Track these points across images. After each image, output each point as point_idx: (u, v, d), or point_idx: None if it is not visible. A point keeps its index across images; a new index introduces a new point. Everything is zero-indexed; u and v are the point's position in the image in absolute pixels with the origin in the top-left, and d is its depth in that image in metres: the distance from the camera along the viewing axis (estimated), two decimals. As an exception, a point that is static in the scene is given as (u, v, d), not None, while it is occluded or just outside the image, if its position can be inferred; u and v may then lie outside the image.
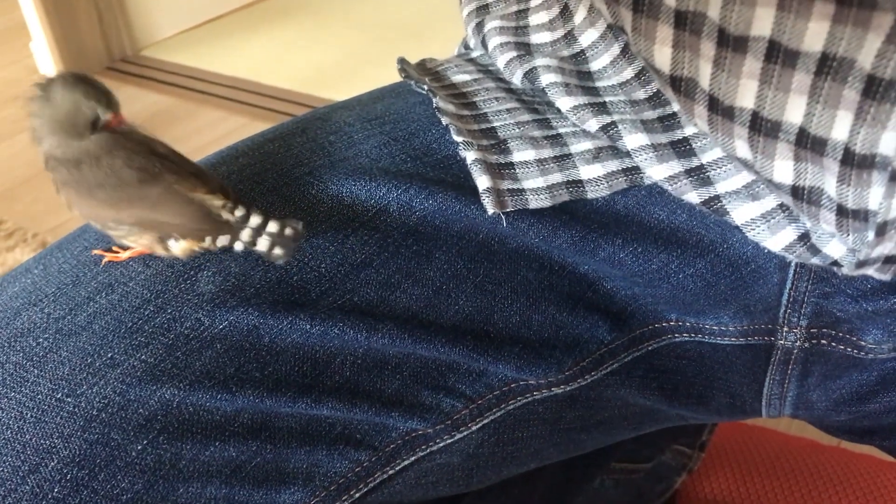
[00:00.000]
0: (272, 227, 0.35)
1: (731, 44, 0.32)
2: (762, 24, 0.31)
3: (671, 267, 0.41)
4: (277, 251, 0.35)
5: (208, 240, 0.35)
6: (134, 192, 0.34)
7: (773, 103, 0.32)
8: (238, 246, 0.35)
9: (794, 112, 0.32)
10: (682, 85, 0.35)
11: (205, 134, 1.55)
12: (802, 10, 0.30)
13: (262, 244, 0.35)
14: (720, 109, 0.34)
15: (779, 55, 0.31)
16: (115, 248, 0.39)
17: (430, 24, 2.01)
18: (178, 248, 0.36)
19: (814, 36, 0.30)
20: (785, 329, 0.42)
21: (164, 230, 0.35)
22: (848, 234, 0.35)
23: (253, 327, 0.37)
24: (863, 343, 0.41)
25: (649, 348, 0.44)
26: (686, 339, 0.43)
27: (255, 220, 0.35)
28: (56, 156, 0.34)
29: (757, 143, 0.34)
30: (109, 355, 0.35)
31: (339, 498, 0.39)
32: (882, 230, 0.33)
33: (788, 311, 0.42)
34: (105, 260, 0.38)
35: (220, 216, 0.35)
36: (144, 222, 0.35)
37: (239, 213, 0.35)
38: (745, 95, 0.33)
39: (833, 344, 0.42)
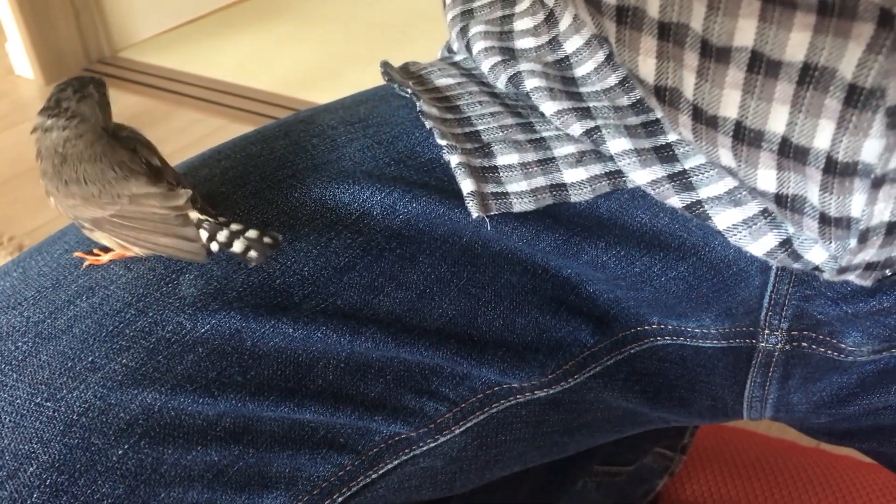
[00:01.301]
0: (251, 233, 0.35)
1: (714, 54, 0.32)
2: (744, 34, 0.31)
3: (653, 270, 0.41)
4: (252, 254, 0.35)
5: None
6: (111, 189, 0.34)
7: (755, 113, 0.32)
8: (214, 246, 0.35)
9: (777, 122, 0.32)
10: (666, 95, 0.35)
11: (183, 136, 1.54)
12: (784, 21, 0.30)
13: (238, 246, 0.35)
14: (704, 119, 0.34)
15: (761, 65, 0.31)
16: (96, 251, 0.38)
17: (412, 26, 2.01)
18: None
19: (796, 46, 0.30)
20: (766, 331, 0.43)
21: (140, 229, 0.35)
22: (830, 242, 0.35)
23: (235, 331, 0.37)
24: (843, 346, 0.42)
25: (632, 351, 0.44)
26: (668, 341, 0.44)
27: (234, 226, 0.35)
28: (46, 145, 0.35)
29: (740, 152, 0.34)
30: (90, 359, 0.35)
31: (321, 502, 0.38)
32: (864, 237, 0.33)
33: (769, 313, 0.42)
34: (86, 263, 0.38)
35: (196, 221, 0.35)
36: (122, 219, 0.35)
37: (220, 219, 0.35)
38: (729, 105, 0.33)
39: (813, 346, 0.43)
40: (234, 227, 0.35)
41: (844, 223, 0.34)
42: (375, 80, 0.48)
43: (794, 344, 0.43)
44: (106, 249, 0.38)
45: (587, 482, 0.66)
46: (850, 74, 0.30)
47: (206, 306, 0.37)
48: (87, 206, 0.35)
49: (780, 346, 0.43)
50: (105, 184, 0.34)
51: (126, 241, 0.36)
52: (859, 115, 0.30)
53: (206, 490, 0.36)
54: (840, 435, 0.48)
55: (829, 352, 0.42)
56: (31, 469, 0.33)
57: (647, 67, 0.35)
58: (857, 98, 0.30)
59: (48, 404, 0.34)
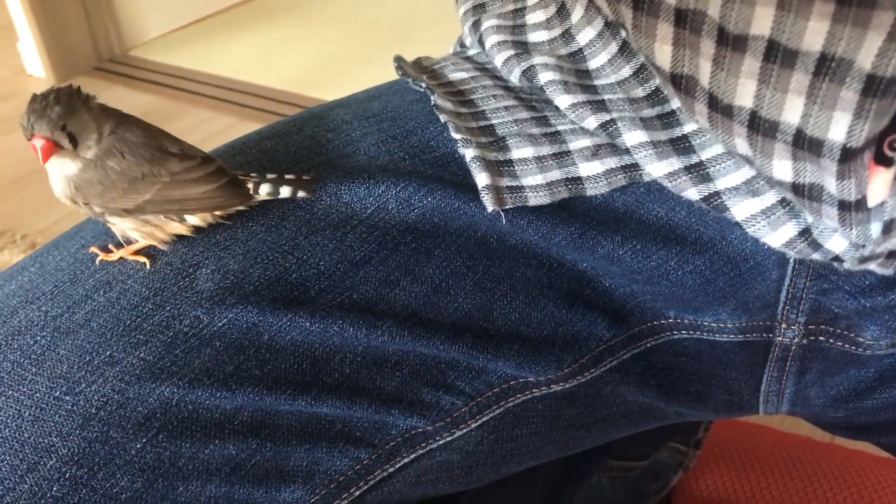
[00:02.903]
0: (289, 177, 0.38)
1: (731, 42, 0.32)
2: (762, 23, 0.31)
3: (670, 264, 0.41)
4: (302, 193, 0.38)
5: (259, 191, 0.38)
6: (151, 173, 0.36)
7: (770, 103, 0.32)
8: (261, 194, 0.37)
9: (792, 113, 0.32)
10: (682, 82, 0.35)
11: (194, 134, 1.55)
12: (802, 10, 0.30)
13: (286, 191, 0.38)
14: (719, 108, 0.34)
15: (777, 55, 0.31)
16: (110, 247, 0.39)
17: (418, 23, 2.01)
18: (193, 222, 0.38)
19: (813, 35, 0.30)
20: (783, 326, 0.42)
21: (184, 206, 0.36)
22: (851, 229, 0.35)
23: (252, 325, 0.37)
24: (861, 339, 0.42)
25: (648, 345, 0.44)
26: (684, 336, 0.44)
27: (270, 176, 0.38)
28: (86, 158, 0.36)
29: (756, 142, 0.34)
30: (108, 353, 0.35)
31: (338, 496, 0.38)
32: (889, 228, 0.33)
33: (787, 307, 0.42)
34: (98, 259, 0.38)
35: (235, 178, 0.37)
36: (165, 200, 0.36)
37: (253, 175, 0.38)
38: (744, 94, 0.33)
39: (831, 340, 0.42)
40: (270, 176, 0.38)
41: (864, 205, 0.33)
42: (382, 77, 0.48)
43: (812, 338, 0.43)
44: (119, 245, 0.38)
45: (601, 477, 0.66)
46: (868, 65, 0.29)
47: (223, 300, 0.37)
48: (128, 195, 0.36)
49: (797, 340, 0.43)
50: (151, 165, 0.36)
51: (174, 214, 0.37)
52: (879, 103, 0.30)
53: (224, 483, 0.36)
54: (857, 429, 0.47)
55: (847, 346, 0.42)
56: (50, 462, 0.33)
57: (664, 55, 0.35)
58: (876, 88, 0.30)
59: (67, 398, 0.34)
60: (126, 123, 0.36)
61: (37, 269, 0.39)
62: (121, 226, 0.37)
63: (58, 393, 0.34)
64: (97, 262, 0.38)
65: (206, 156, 0.38)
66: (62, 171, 0.36)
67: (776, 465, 0.73)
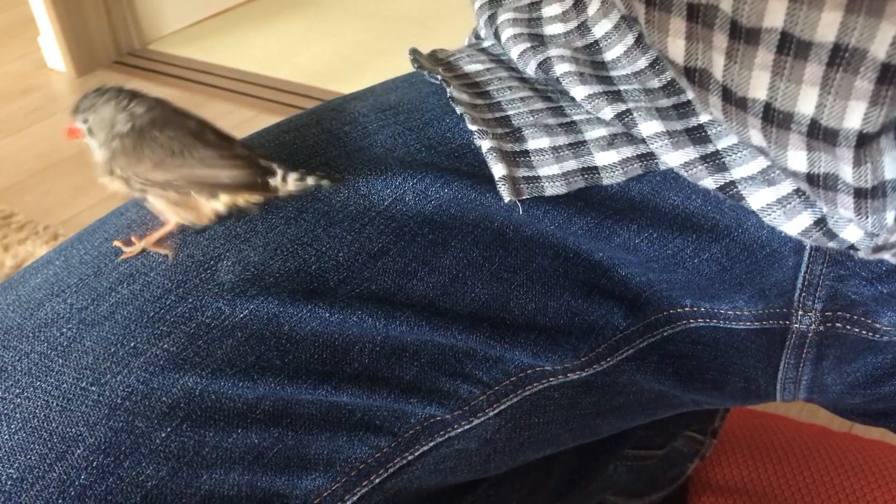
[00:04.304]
0: (314, 171, 0.39)
1: (744, 35, 0.32)
2: (775, 15, 0.31)
3: (686, 252, 0.41)
4: (325, 182, 0.39)
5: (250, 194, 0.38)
6: (186, 151, 0.37)
7: (784, 95, 0.32)
8: (290, 185, 0.38)
9: (806, 103, 0.32)
10: (696, 76, 0.35)
11: (213, 127, 1.55)
12: (815, 1, 0.30)
13: (312, 180, 0.38)
14: (733, 100, 0.34)
15: (791, 47, 0.31)
16: (133, 239, 0.39)
17: (437, 15, 2.00)
18: (221, 203, 0.38)
19: (826, 26, 0.30)
20: (800, 312, 0.43)
21: (213, 185, 0.38)
22: (867, 217, 0.35)
23: (273, 316, 0.37)
24: (878, 325, 0.42)
25: (664, 334, 0.44)
26: (701, 324, 0.44)
27: (299, 170, 0.39)
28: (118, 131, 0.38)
29: (770, 133, 0.34)
30: (132, 344, 0.36)
31: (359, 483, 0.39)
32: None
33: (803, 294, 0.42)
34: (122, 257, 0.39)
35: (265, 165, 0.38)
36: (194, 179, 0.37)
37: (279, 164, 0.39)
38: (758, 87, 0.33)
39: (848, 327, 0.42)
40: (299, 170, 0.39)
41: (880, 192, 0.33)
42: (399, 69, 0.48)
43: (829, 325, 0.43)
44: (142, 237, 0.39)
45: (618, 465, 0.66)
46: (883, 54, 0.29)
47: (244, 292, 0.37)
48: (158, 169, 0.37)
49: (813, 326, 0.43)
50: (183, 146, 0.37)
51: (205, 193, 0.38)
52: (895, 91, 0.30)
53: (247, 472, 0.37)
54: (875, 415, 0.47)
55: (864, 332, 0.42)
56: (78, 451, 0.34)
57: (677, 49, 0.35)
58: (892, 76, 0.30)
59: (93, 388, 0.35)
60: (168, 109, 0.39)
61: (62, 263, 0.40)
62: (153, 202, 0.39)
63: (84, 384, 0.35)
64: (118, 259, 0.39)
65: (241, 143, 0.39)
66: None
67: (793, 455, 0.73)
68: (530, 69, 0.44)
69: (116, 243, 0.39)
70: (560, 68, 0.42)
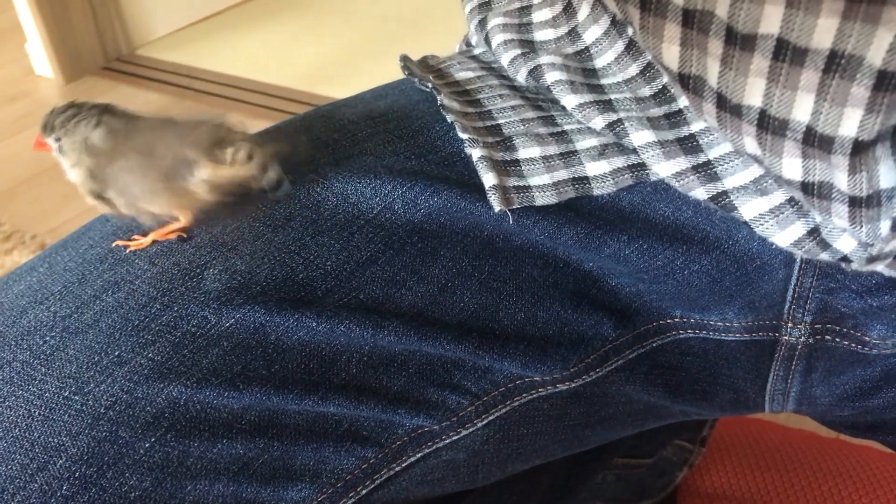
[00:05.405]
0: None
1: (739, 42, 0.32)
2: (771, 21, 0.31)
3: (676, 263, 0.41)
4: (287, 185, 0.38)
5: (229, 153, 0.37)
6: (154, 144, 0.37)
7: (780, 102, 0.32)
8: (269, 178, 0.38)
9: (802, 110, 0.32)
10: (690, 82, 0.35)
11: (202, 132, 1.55)
12: (812, 7, 0.30)
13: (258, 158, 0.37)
14: (728, 107, 0.34)
15: (787, 53, 0.31)
16: (135, 237, 0.39)
17: (428, 18, 2.00)
18: (204, 175, 0.37)
19: (823, 33, 0.30)
20: (789, 325, 0.42)
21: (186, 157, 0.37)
22: (861, 226, 0.35)
23: (259, 325, 0.37)
24: (867, 339, 0.42)
25: (654, 345, 0.44)
26: (690, 335, 0.44)
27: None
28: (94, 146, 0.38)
29: (765, 140, 0.34)
30: (116, 353, 0.35)
31: (345, 494, 0.39)
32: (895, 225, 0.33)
33: (793, 306, 0.42)
34: (129, 249, 0.38)
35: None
36: (167, 162, 0.37)
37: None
38: (753, 94, 0.33)
39: (837, 339, 0.42)
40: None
41: (875, 201, 0.33)
42: (390, 73, 0.48)
43: (818, 337, 0.43)
44: (145, 233, 0.38)
45: (606, 474, 0.66)
46: (879, 61, 0.29)
47: (230, 301, 0.37)
48: (132, 176, 0.37)
49: (803, 339, 0.43)
50: (150, 144, 0.37)
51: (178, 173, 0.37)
52: (891, 97, 0.30)
53: (232, 483, 0.36)
54: (863, 428, 0.47)
55: (853, 345, 0.42)
56: (60, 461, 0.34)
57: (671, 55, 0.35)
58: (888, 83, 0.29)
59: (76, 398, 0.35)
60: (139, 120, 0.38)
61: (45, 270, 0.39)
62: (146, 213, 0.38)
63: (67, 393, 0.35)
64: (128, 251, 0.38)
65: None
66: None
67: (782, 462, 0.73)
68: (521, 77, 0.44)
69: (119, 243, 0.39)
70: (551, 76, 0.42)
